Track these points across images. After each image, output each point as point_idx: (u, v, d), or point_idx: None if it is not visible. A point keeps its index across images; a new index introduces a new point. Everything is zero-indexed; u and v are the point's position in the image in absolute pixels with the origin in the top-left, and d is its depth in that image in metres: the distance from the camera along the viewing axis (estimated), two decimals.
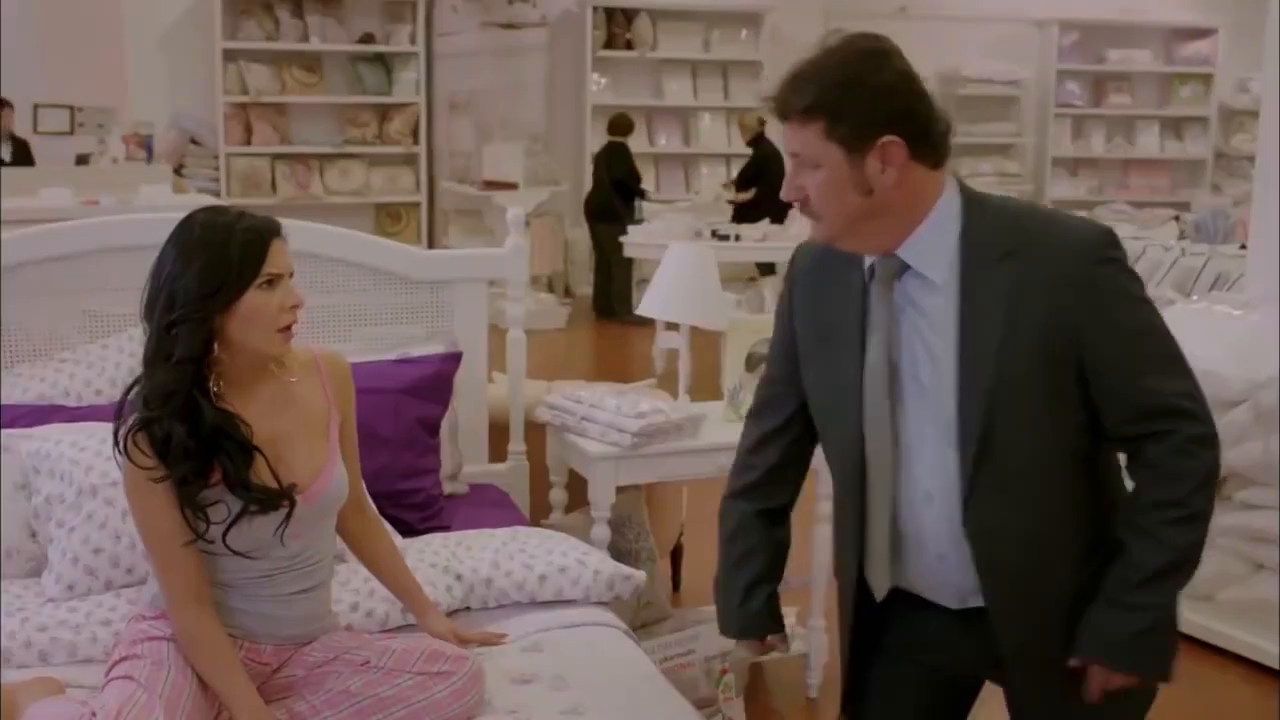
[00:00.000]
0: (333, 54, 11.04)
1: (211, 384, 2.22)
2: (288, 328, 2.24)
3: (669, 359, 8.34)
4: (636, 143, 10.97)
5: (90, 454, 2.72)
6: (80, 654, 2.47)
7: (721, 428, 3.54)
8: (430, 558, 2.80)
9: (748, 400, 3.71)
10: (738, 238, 8.08)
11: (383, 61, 11.17)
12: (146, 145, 10.10)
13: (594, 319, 10.50)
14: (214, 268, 2.16)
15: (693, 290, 3.58)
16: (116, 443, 2.19)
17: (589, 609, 2.75)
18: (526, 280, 3.64)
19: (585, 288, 11.25)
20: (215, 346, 2.21)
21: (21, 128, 9.57)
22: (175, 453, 2.14)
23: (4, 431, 2.88)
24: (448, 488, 3.33)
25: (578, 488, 3.56)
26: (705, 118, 12.14)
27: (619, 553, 3.45)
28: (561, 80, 11.55)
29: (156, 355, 2.18)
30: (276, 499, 2.21)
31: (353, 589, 2.63)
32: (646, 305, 3.65)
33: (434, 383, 3.25)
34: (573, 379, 4.30)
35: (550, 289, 10.70)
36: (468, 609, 2.73)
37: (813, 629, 3.74)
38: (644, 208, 10.36)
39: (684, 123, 12.16)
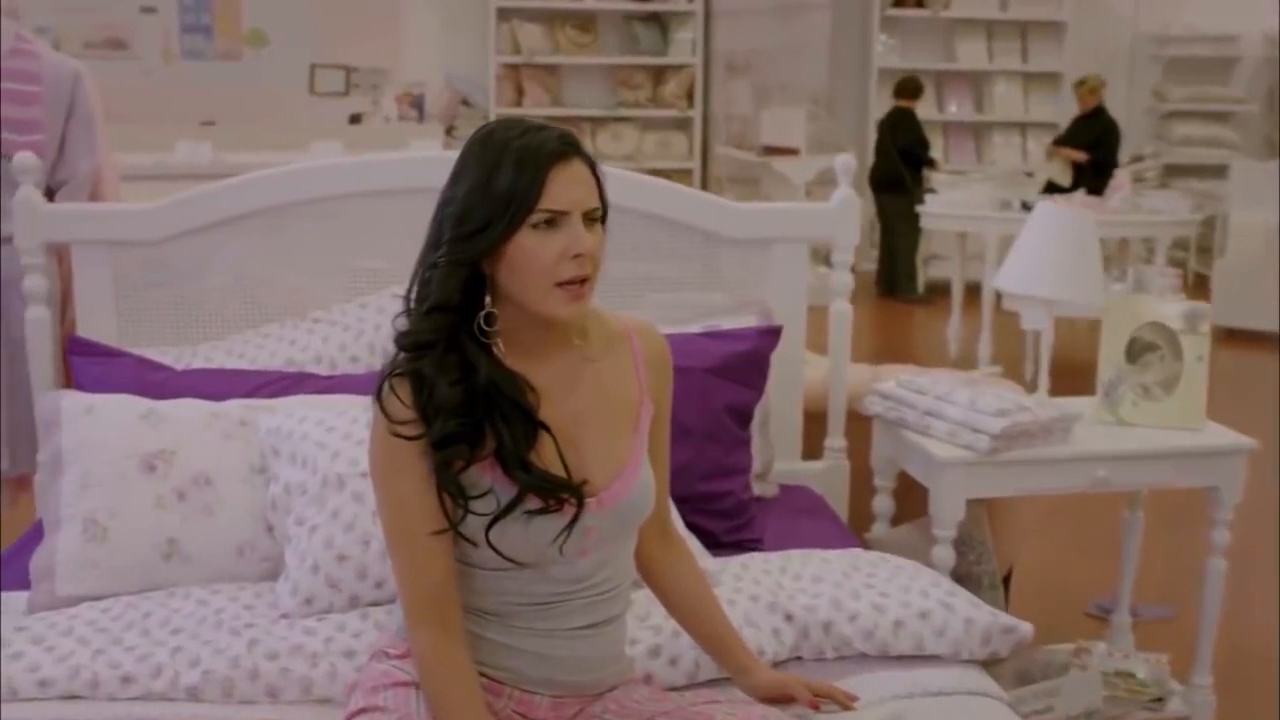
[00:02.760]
0: (607, 13, 10.63)
1: (494, 347, 1.70)
2: (575, 282, 1.67)
3: (964, 343, 7.62)
4: (924, 109, 10.19)
5: (339, 436, 2.23)
6: (316, 691, 1.96)
7: (1093, 431, 2.88)
8: (749, 588, 2.18)
9: (1128, 397, 3.04)
10: None
11: (659, 21, 10.72)
12: (418, 105, 10.00)
13: (875, 296, 9.81)
14: (478, 199, 1.64)
15: (1070, 263, 2.88)
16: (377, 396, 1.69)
17: (959, 670, 2.08)
18: (856, 242, 3.05)
19: (865, 263, 10.54)
20: (488, 298, 1.69)
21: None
22: (438, 403, 1.63)
23: (243, 402, 2.44)
24: (756, 489, 2.74)
25: (906, 495, 2.95)
26: (1000, 83, 11.19)
27: (956, 577, 2.82)
28: (846, 41, 10.86)
29: (416, 300, 1.70)
30: (561, 490, 1.67)
31: (652, 626, 2.04)
32: (1005, 278, 2.96)
33: (749, 362, 2.66)
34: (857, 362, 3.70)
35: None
36: (798, 659, 2.11)
37: (1195, 687, 3.01)
38: (932, 178, 9.60)
39: (977, 88, 11.24)
